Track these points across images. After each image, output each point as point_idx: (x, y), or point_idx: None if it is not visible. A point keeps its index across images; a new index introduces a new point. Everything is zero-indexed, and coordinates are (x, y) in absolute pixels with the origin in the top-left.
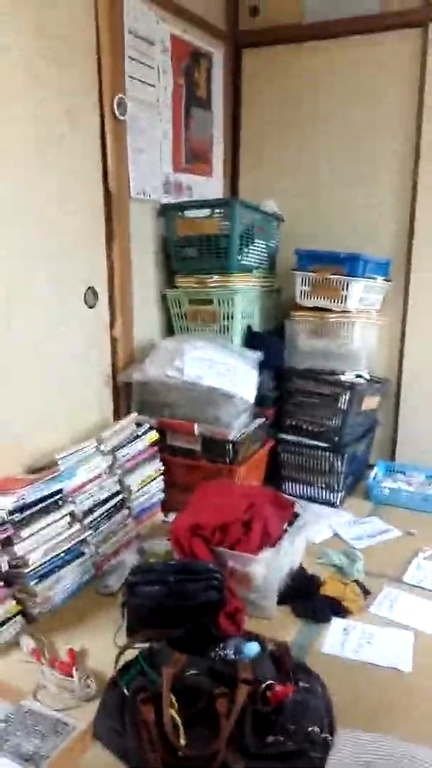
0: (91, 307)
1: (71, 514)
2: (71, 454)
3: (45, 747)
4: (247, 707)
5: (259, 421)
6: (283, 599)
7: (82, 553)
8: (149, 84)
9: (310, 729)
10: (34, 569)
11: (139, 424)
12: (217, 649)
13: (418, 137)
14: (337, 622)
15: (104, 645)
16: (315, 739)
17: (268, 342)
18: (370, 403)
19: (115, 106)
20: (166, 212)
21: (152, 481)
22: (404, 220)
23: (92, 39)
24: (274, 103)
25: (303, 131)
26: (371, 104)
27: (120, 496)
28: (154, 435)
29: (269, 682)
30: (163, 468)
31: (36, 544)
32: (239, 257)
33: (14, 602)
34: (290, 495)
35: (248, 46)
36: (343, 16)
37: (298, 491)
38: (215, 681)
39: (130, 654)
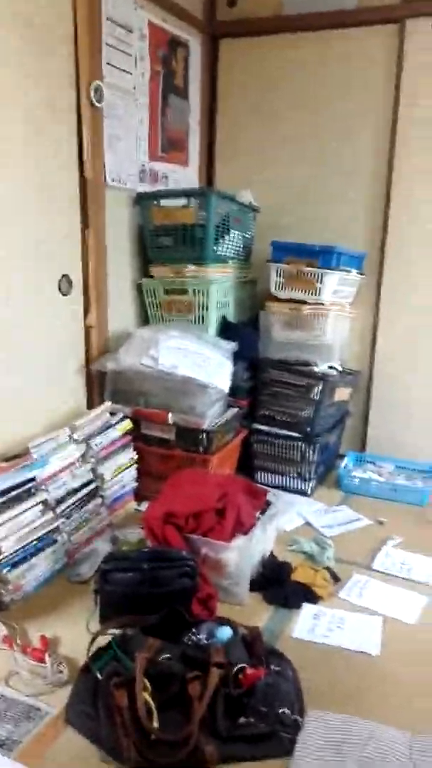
0: (65, 295)
1: (44, 502)
2: (44, 442)
3: (17, 732)
4: (219, 690)
5: (233, 411)
6: (254, 586)
7: (55, 541)
8: (126, 71)
9: (281, 711)
10: (6, 557)
11: (113, 413)
12: (190, 634)
13: (394, 132)
14: (307, 608)
15: (77, 632)
16: (285, 720)
17: (242, 333)
18: (342, 394)
19: (92, 93)
20: (142, 201)
21: (125, 469)
22: (378, 214)
23: (70, 26)
24: (250, 94)
25: (279, 123)
26: (347, 98)
27: (93, 485)
28: (127, 424)
29: (241, 665)
30: (136, 457)
31: (8, 532)
32: (215, 247)
33: None
34: (262, 484)
35: (225, 36)
36: (321, 10)
37: (270, 480)
38: (188, 665)
39: (104, 641)
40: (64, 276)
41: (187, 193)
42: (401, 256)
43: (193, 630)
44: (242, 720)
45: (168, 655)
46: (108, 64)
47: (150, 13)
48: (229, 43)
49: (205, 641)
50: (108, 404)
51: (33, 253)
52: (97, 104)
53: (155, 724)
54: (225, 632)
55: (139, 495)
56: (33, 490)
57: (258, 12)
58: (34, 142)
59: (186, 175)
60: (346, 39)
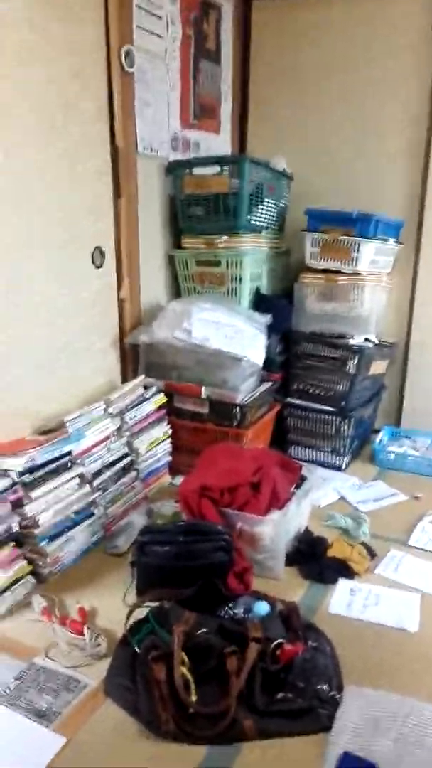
0: (98, 267)
1: (80, 475)
2: (80, 416)
3: (57, 703)
4: (256, 665)
5: (267, 384)
6: (290, 560)
7: (92, 514)
8: (157, 35)
9: (318, 687)
10: (44, 530)
11: (146, 387)
12: (227, 608)
13: None
14: (343, 583)
15: (114, 604)
16: (323, 696)
17: (276, 305)
18: (378, 367)
19: (123, 58)
20: (174, 170)
21: (160, 443)
22: (417, 180)
23: None
24: (284, 57)
25: (313, 86)
26: (384, 61)
27: (128, 458)
28: (161, 398)
29: (279, 640)
30: (170, 431)
31: (46, 505)
32: (248, 217)
33: (25, 562)
34: (296, 459)
35: None
36: None
37: (304, 455)
38: (225, 639)
39: (140, 613)
40: (96, 248)
41: (220, 161)
42: None
43: (230, 604)
44: (280, 695)
45: (205, 629)
46: (138, 27)
47: None
48: (261, 5)
49: (243, 615)
50: (142, 378)
51: (66, 226)
52: (128, 69)
53: (193, 698)
54: (262, 607)
55: (173, 469)
56: (69, 464)
57: None
58: (64, 111)
59: (218, 142)
60: (383, 1)
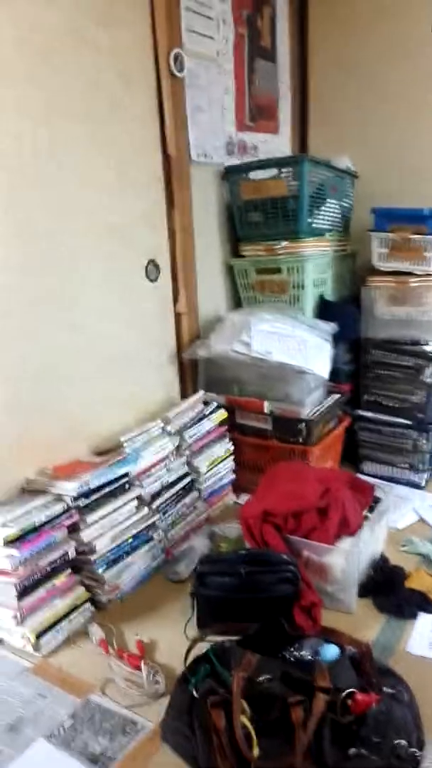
0: (153, 281)
1: (138, 497)
2: (137, 435)
3: (112, 747)
4: (325, 717)
5: (335, 397)
6: (363, 592)
7: (151, 538)
8: (208, 36)
9: (396, 742)
10: (101, 555)
11: (206, 403)
12: (291, 649)
13: None
14: (424, 619)
15: (174, 636)
16: (402, 754)
17: (342, 311)
18: None
19: (171, 62)
20: (230, 175)
21: (222, 461)
22: None
23: None
24: (344, 49)
25: (379, 79)
26: None
27: (189, 478)
28: (222, 414)
29: (350, 690)
30: (232, 448)
31: (103, 530)
32: (309, 220)
33: (83, 589)
34: (370, 476)
35: None
36: None
37: (378, 472)
38: (290, 687)
39: (200, 648)
40: (150, 261)
41: (278, 163)
42: None
43: (296, 645)
44: (352, 751)
45: (268, 676)
46: (188, 30)
47: None
48: None
49: (309, 658)
50: (201, 393)
51: (117, 241)
52: (177, 74)
53: (255, 752)
54: (331, 651)
55: (237, 487)
56: (127, 486)
57: None
58: (111, 121)
59: (277, 144)
60: None
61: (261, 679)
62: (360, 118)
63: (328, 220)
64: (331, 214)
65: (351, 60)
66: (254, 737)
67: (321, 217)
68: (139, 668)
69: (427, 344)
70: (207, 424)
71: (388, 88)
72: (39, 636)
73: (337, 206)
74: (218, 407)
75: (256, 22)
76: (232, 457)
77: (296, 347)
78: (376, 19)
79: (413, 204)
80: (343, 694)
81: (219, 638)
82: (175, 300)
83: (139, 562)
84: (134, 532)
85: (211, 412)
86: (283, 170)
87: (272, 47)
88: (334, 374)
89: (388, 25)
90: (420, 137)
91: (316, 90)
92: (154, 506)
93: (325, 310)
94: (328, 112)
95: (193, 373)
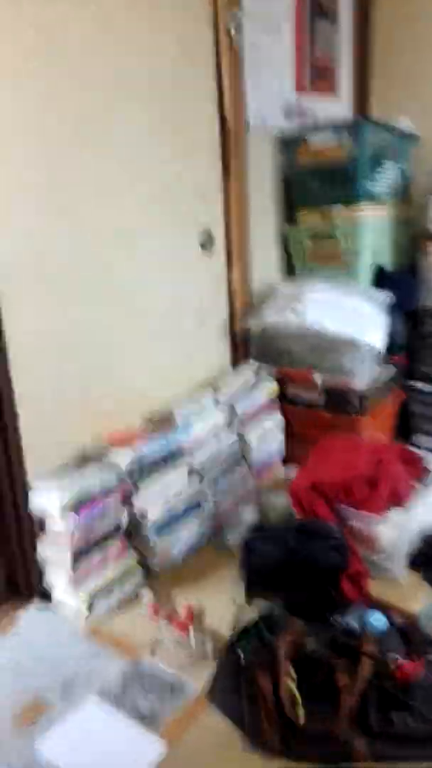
0: (207, 251)
1: (189, 467)
2: (188, 405)
3: (161, 707)
4: (371, 683)
5: (389, 369)
6: (413, 564)
7: (202, 508)
8: None
9: None
10: (153, 523)
11: (257, 374)
12: (339, 617)
13: None
14: None
15: (222, 603)
16: None
17: (399, 281)
18: None
19: (230, 24)
20: (287, 141)
21: (272, 433)
22: None
23: None
24: (408, 8)
25: None
26: None
27: (239, 449)
28: (273, 386)
29: (397, 657)
30: (282, 420)
31: (155, 498)
32: (367, 184)
33: (135, 555)
34: (422, 449)
35: None
36: None
37: (430, 445)
38: (336, 653)
39: (248, 616)
40: (205, 231)
41: (336, 128)
42: None
43: (344, 612)
44: (396, 717)
45: (315, 640)
46: None
47: None
48: None
49: (356, 627)
50: (252, 364)
51: (173, 210)
52: (235, 35)
53: (301, 714)
54: (379, 619)
55: (287, 459)
56: (178, 456)
57: None
58: (170, 87)
59: (337, 107)
60: None
61: (307, 644)
62: (424, 80)
63: (386, 185)
64: (391, 178)
65: (414, 17)
66: (299, 700)
67: (380, 181)
68: (187, 633)
69: None
70: (257, 396)
71: None
72: (92, 599)
73: (397, 170)
74: (269, 378)
75: None
76: (281, 430)
77: (350, 317)
78: None
79: None
80: (390, 660)
81: (267, 605)
82: (229, 269)
83: (189, 530)
84: (185, 501)
85: (262, 384)
86: (343, 135)
87: (334, 7)
88: (390, 346)
89: None
90: None
91: (377, 52)
92: (204, 476)
93: (381, 279)
94: (390, 75)
95: (244, 344)
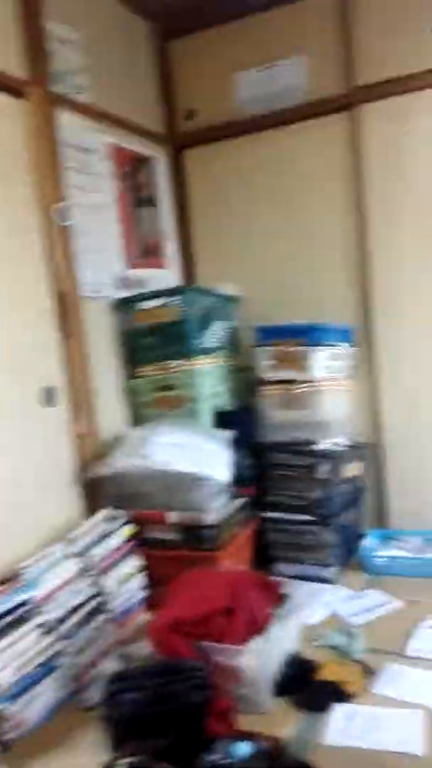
0: (49, 407)
1: (41, 625)
2: (36, 560)
3: None
4: None
5: (239, 501)
6: (279, 690)
7: (57, 667)
8: (93, 191)
9: None
10: (4, 690)
11: (112, 519)
12: (205, 756)
13: (361, 213)
14: (338, 709)
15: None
16: None
17: (238, 419)
18: (352, 469)
19: (56, 215)
20: (122, 306)
21: (132, 578)
22: (360, 287)
23: (26, 156)
24: (220, 194)
25: (253, 218)
26: (312, 186)
27: (97, 599)
28: (129, 529)
29: None
30: (144, 563)
31: (3, 663)
32: (198, 341)
33: None
34: (283, 575)
35: (187, 146)
36: (273, 108)
37: (289, 571)
38: None
39: None
40: (45, 388)
41: (164, 293)
42: (388, 324)
43: (211, 750)
44: None
45: None
46: (73, 186)
47: (111, 136)
48: (191, 152)
49: (223, 761)
50: (104, 512)
51: (11, 371)
52: (63, 224)
53: None
54: (243, 748)
55: (152, 604)
56: (27, 614)
57: (215, 119)
58: (4, 268)
59: (166, 277)
60: (301, 132)
61: None
62: (241, 250)
63: (216, 339)
64: (219, 334)
65: (227, 204)
66: None
67: (209, 337)
68: None
69: (317, 443)
70: (113, 541)
71: (263, 226)
72: None
73: (224, 326)
74: (125, 523)
75: (137, 177)
76: (143, 573)
77: (196, 456)
78: (248, 172)
79: (297, 318)
80: None
81: (132, 758)
82: (76, 422)
83: (46, 694)
84: (39, 661)
85: (117, 529)
86: (172, 299)
87: (154, 196)
88: (239, 479)
89: (259, 176)
90: (299, 261)
91: (198, 229)
92: (59, 632)
93: (222, 419)
94: (210, 247)
95: (97, 492)
